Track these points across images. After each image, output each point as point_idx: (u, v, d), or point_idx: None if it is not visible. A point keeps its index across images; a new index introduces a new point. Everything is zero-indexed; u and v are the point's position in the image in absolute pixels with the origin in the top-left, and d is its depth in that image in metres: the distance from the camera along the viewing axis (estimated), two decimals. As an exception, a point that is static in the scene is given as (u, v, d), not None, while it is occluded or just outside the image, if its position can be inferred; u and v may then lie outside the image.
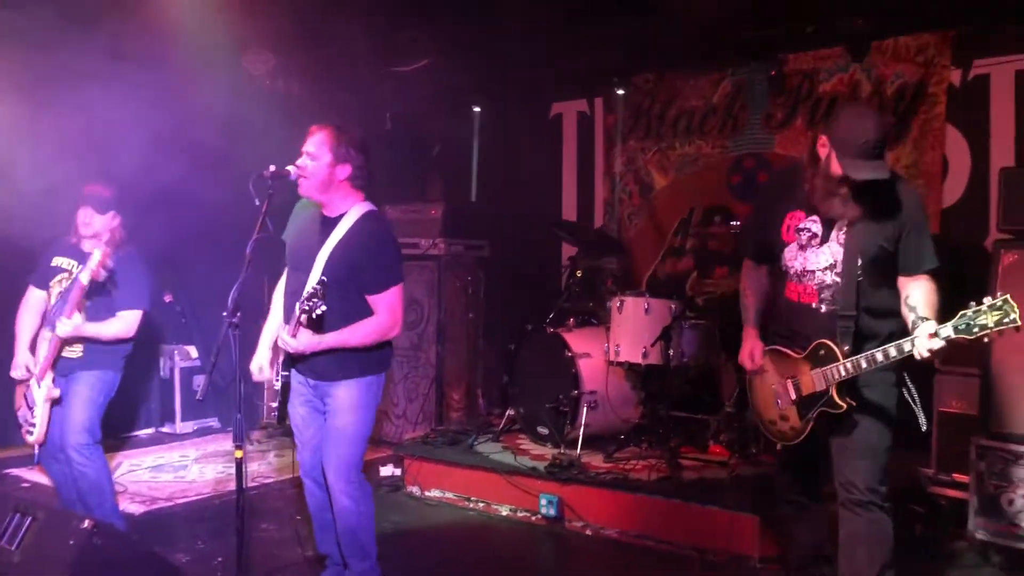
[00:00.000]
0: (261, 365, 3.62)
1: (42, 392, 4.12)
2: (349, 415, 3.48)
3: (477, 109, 7.71)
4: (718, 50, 6.48)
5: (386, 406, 6.46)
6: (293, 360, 3.50)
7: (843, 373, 3.07)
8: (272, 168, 3.34)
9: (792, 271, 3.26)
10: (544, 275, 7.25)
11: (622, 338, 5.34)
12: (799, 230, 3.21)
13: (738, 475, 4.82)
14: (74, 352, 4.19)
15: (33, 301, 4.34)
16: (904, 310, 3.04)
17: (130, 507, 4.98)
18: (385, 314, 3.45)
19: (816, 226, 3.18)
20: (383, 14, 5.99)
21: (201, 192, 5.80)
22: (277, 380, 3.50)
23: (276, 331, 3.59)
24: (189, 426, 7.08)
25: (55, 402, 4.15)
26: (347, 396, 3.48)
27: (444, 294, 6.50)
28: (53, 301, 4.22)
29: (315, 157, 3.43)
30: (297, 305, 3.26)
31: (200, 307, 7.10)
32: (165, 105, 5.63)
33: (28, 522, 3.26)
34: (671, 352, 5.19)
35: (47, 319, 4.20)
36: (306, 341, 3.31)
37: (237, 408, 3.14)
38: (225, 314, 3.06)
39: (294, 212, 3.71)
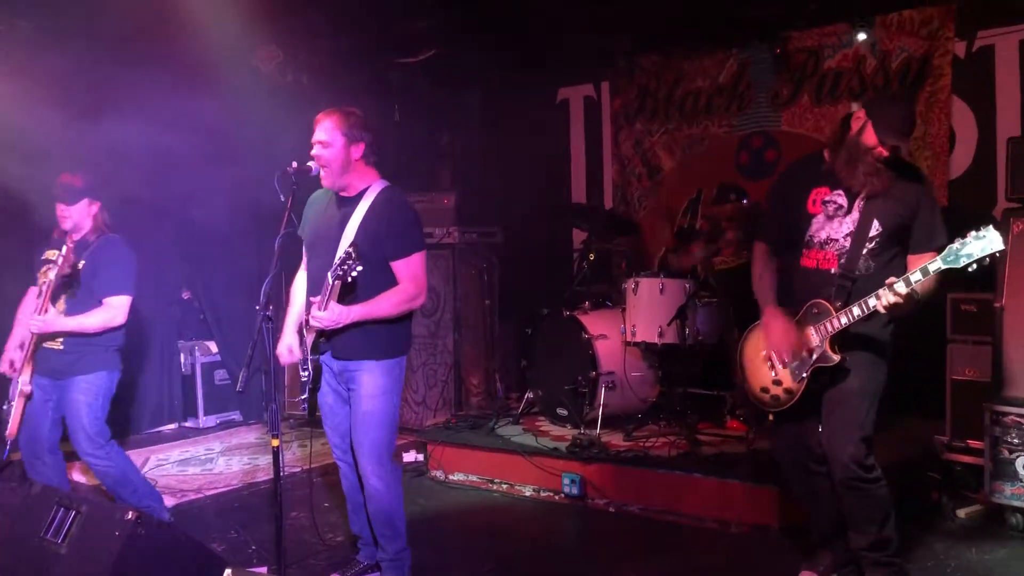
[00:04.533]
0: (290, 345, 3.65)
1: (17, 387, 4.10)
2: (375, 400, 3.57)
3: (484, 97, 7.75)
4: (722, 30, 6.52)
5: (406, 393, 6.54)
6: (317, 347, 3.55)
7: (836, 325, 3.21)
8: (294, 164, 3.43)
9: (816, 240, 3.38)
10: (557, 260, 7.33)
11: (638, 319, 5.42)
12: (825, 203, 3.35)
13: (756, 449, 4.90)
14: (55, 344, 4.10)
15: (28, 298, 4.31)
16: None
17: (162, 500, 5.08)
18: (409, 281, 3.52)
19: (841, 199, 3.32)
20: (387, 5, 6.04)
21: (217, 189, 5.88)
22: (304, 371, 3.53)
23: (299, 318, 3.66)
24: (212, 420, 7.19)
25: (28, 398, 4.10)
26: (371, 382, 3.56)
27: (459, 282, 6.58)
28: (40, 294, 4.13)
29: (328, 144, 3.50)
30: (329, 275, 3.30)
31: (219, 302, 7.19)
32: (179, 103, 5.70)
33: (72, 516, 3.34)
34: (687, 331, 5.27)
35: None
36: (337, 312, 3.35)
37: (271, 398, 3.24)
38: (258, 307, 3.15)
39: (308, 204, 3.78)
